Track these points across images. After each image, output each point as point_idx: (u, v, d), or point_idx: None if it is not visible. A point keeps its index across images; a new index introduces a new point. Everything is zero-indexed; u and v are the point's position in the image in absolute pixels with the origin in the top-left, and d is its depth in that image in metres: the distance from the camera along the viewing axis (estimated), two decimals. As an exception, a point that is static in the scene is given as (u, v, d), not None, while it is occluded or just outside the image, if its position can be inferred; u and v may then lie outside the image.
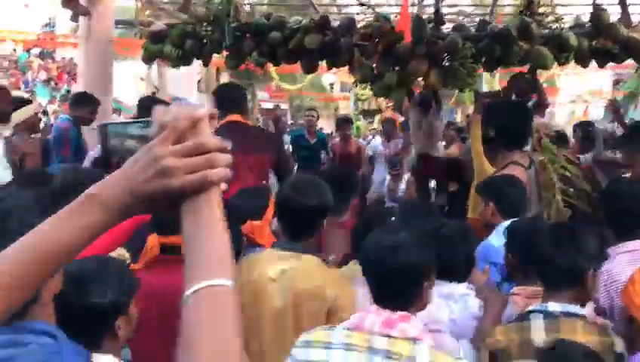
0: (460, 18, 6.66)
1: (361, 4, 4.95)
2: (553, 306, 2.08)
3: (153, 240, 2.42)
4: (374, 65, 4.69)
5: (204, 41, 5.17)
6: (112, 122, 1.18)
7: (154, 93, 13.81)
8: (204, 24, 5.09)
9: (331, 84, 26.42)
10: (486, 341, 2.14)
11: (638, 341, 2.13)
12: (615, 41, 4.60)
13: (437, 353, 1.82)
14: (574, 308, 2.08)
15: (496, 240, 2.86)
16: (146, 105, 4.80)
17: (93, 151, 4.39)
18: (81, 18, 5.74)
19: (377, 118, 17.37)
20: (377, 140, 10.96)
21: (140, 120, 1.25)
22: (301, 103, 25.44)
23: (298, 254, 2.36)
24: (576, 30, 4.70)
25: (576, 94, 24.56)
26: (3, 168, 4.33)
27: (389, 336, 1.80)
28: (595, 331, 2.04)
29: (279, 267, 2.33)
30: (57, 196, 2.00)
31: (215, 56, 5.66)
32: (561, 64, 4.89)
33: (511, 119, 3.78)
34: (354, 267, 2.55)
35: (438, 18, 5.03)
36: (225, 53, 5.37)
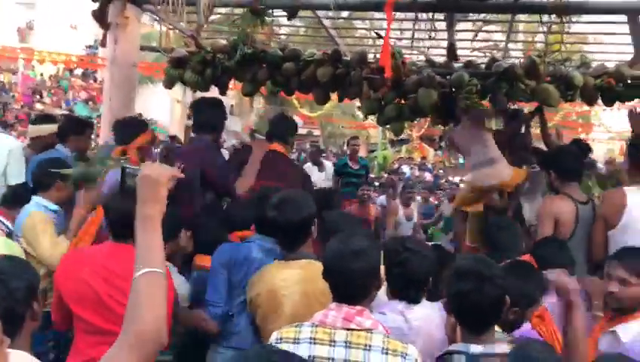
0: (494, 52, 6.76)
1: (379, 36, 5.05)
2: (474, 348, 2.11)
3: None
4: (381, 97, 4.80)
5: (221, 69, 5.35)
6: (129, 166, 1.95)
7: (189, 116, 14.21)
8: (220, 55, 5.27)
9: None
10: None
11: None
12: (619, 80, 4.63)
13: (390, 339, 2.04)
14: (494, 348, 2.11)
15: None
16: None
17: None
18: (108, 43, 5.97)
19: (405, 147, 17.40)
20: (405, 169, 11.03)
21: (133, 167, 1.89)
22: (333, 130, 25.66)
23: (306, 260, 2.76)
24: (582, 70, 4.73)
25: (615, 131, 24.07)
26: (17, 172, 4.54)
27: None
28: None
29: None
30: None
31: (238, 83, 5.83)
32: (567, 101, 4.91)
33: (567, 155, 4.28)
34: None
35: (452, 54, 5.11)
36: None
